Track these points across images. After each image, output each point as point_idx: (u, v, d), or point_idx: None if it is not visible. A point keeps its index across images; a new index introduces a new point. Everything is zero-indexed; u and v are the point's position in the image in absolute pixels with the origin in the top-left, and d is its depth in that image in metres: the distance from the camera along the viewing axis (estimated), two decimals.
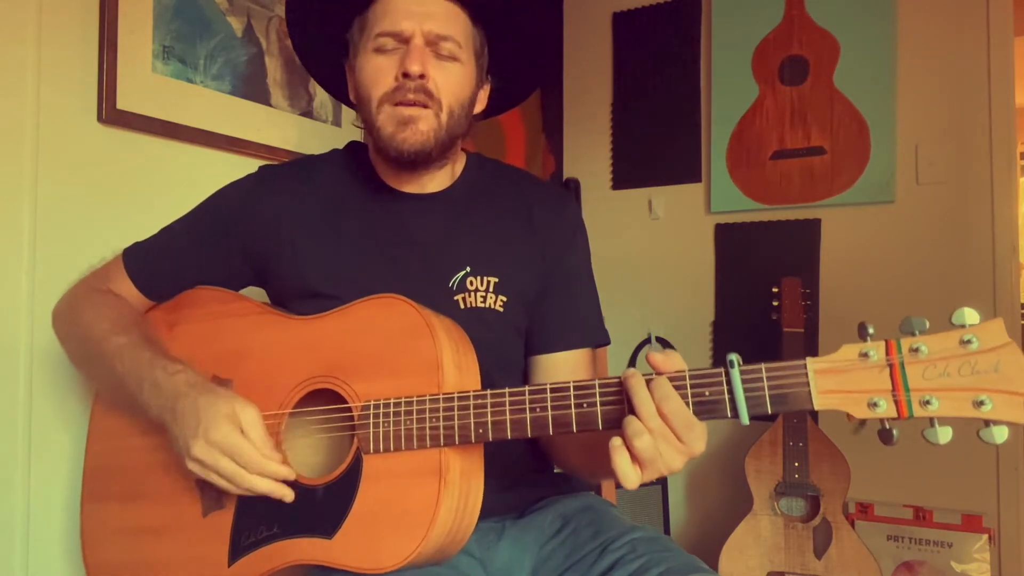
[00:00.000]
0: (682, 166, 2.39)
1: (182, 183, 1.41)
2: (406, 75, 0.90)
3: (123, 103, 1.30)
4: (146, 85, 1.35)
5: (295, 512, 0.82)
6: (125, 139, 1.33)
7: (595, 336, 1.06)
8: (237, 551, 0.85)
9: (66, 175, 1.24)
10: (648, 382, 0.70)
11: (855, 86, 2.11)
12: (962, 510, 1.91)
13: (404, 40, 0.91)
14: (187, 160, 1.44)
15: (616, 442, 0.69)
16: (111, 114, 1.29)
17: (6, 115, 1.16)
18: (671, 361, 0.71)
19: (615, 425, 0.72)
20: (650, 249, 2.46)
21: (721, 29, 2.31)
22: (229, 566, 0.85)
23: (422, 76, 0.90)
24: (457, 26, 0.94)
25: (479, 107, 1.02)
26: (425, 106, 0.91)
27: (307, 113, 1.71)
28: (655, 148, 2.45)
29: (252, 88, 1.57)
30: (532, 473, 1.03)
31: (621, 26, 2.51)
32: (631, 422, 0.69)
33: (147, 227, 1.08)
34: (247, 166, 1.39)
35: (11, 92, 1.17)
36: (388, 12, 0.92)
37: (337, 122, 1.79)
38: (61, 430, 1.23)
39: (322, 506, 0.81)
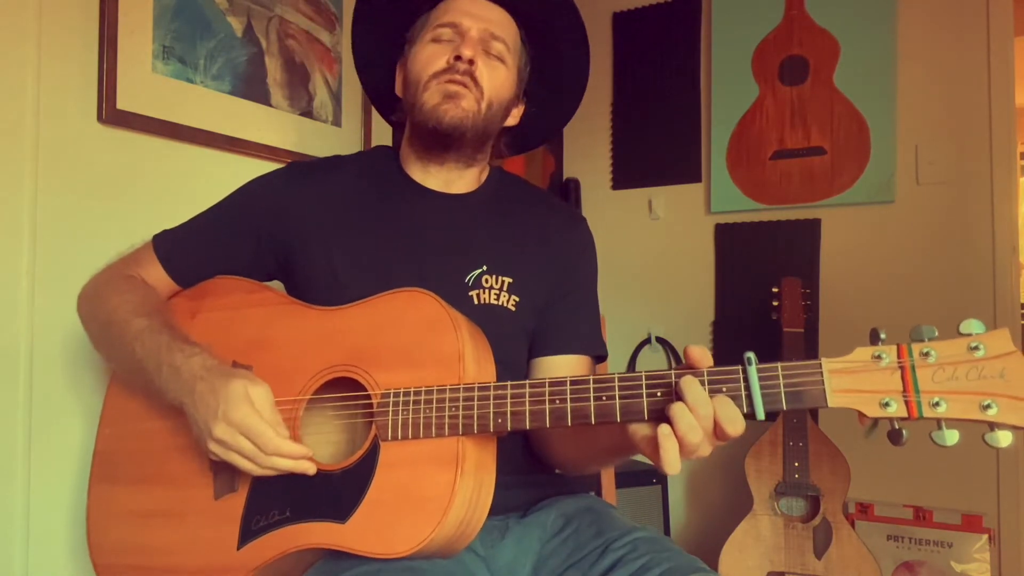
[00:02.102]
0: (682, 166, 2.39)
1: (182, 183, 1.41)
2: (458, 58, 0.98)
3: (123, 103, 1.30)
4: (146, 85, 1.35)
5: (309, 496, 0.83)
6: (125, 139, 1.33)
7: (595, 347, 1.08)
8: (247, 534, 0.85)
9: (66, 175, 1.24)
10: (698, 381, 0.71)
11: (855, 86, 2.11)
12: (962, 510, 1.91)
13: (461, 33, 1.00)
14: (187, 160, 1.44)
15: (666, 430, 0.70)
16: (111, 114, 1.29)
17: (6, 115, 1.16)
18: (706, 358, 0.73)
19: (635, 418, 0.74)
20: (650, 249, 2.45)
21: (721, 29, 2.31)
22: (238, 549, 0.85)
23: (471, 62, 0.99)
24: (508, 33, 1.04)
25: (511, 121, 1.09)
26: (468, 88, 0.99)
27: (307, 113, 1.71)
28: (655, 148, 2.45)
29: (252, 88, 1.57)
30: (535, 473, 1.04)
31: (621, 26, 2.51)
32: (683, 417, 0.69)
33: (147, 227, 1.08)
34: (247, 166, 1.39)
35: (11, 92, 1.17)
36: (450, 9, 1.02)
37: (337, 122, 1.79)
38: (61, 429, 1.23)
39: (337, 491, 0.82)
